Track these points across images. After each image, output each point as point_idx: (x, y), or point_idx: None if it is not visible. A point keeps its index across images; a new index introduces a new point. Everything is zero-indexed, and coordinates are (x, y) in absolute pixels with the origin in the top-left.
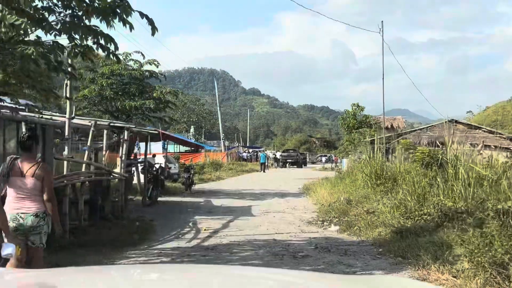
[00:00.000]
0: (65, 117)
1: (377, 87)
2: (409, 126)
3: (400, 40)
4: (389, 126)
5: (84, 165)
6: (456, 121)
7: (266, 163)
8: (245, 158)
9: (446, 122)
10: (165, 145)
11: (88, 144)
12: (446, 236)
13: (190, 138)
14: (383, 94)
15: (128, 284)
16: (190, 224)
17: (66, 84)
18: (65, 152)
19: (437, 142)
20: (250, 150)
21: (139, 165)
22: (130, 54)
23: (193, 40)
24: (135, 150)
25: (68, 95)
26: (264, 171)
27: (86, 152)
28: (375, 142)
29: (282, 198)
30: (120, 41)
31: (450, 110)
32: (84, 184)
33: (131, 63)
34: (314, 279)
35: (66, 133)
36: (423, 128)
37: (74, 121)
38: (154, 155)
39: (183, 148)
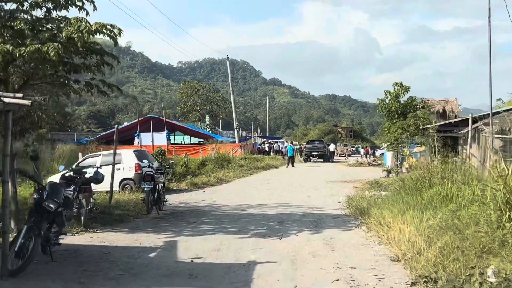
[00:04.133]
0: None
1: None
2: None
3: (423, 28)
4: (441, 111)
5: None
6: None
7: (295, 156)
8: (266, 150)
9: None
10: (168, 136)
11: None
12: None
13: (205, 128)
14: (490, 68)
15: None
16: None
17: None
18: None
19: None
20: (272, 141)
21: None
22: None
23: (214, 31)
24: (135, 142)
25: None
26: (293, 166)
27: None
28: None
29: (316, 232)
30: (141, 31)
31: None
32: None
33: None
34: None
35: None
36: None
37: None
38: (33, 158)
39: (195, 140)
